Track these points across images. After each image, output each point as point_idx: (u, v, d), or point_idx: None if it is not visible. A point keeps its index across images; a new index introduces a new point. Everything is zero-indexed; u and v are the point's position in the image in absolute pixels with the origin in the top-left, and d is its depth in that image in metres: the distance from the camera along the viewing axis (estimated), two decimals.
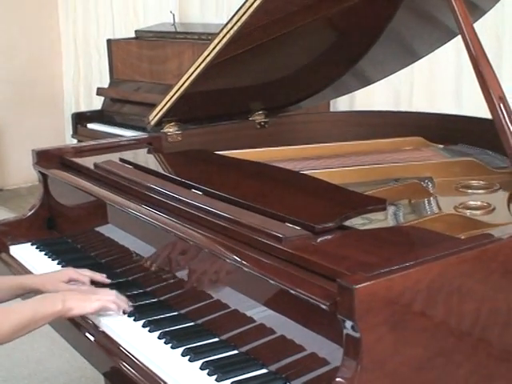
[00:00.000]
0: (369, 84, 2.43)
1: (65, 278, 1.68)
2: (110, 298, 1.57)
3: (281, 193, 1.65)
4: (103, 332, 1.54)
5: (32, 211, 2.09)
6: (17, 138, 5.32)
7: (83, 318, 1.58)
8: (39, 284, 1.68)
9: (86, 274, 1.71)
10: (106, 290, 1.61)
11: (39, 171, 2.08)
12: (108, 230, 1.88)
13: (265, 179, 1.76)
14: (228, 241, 1.43)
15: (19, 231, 2.07)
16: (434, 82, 3.30)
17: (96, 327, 1.57)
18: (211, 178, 1.77)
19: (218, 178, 1.77)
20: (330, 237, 1.37)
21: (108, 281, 1.72)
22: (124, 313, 1.57)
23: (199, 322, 1.52)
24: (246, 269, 1.35)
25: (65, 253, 1.94)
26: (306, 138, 2.32)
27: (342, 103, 3.59)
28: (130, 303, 1.60)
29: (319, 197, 1.60)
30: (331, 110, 3.52)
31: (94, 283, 1.71)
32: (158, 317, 1.55)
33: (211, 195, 1.62)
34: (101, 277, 1.72)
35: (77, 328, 1.60)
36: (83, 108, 5.19)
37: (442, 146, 2.17)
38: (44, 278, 1.72)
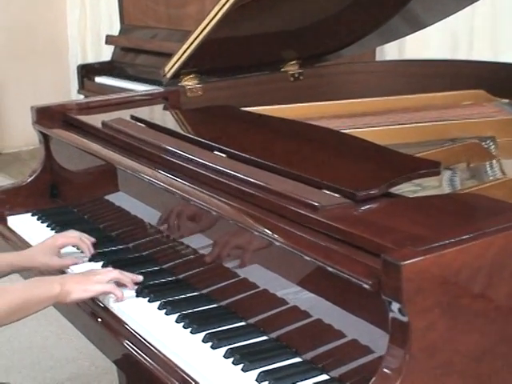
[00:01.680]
0: (421, 28, 2.42)
1: (53, 246, 1.72)
2: (113, 274, 1.58)
3: (317, 155, 1.64)
4: (114, 315, 1.56)
5: (32, 177, 2.11)
6: (15, 94, 5.36)
7: (92, 300, 1.60)
8: (27, 260, 1.71)
9: (74, 234, 1.76)
10: (108, 269, 1.63)
11: (39, 131, 2.10)
12: (119, 199, 1.89)
13: (298, 139, 1.75)
14: (255, 210, 1.43)
15: (18, 200, 2.09)
16: (497, 27, 3.25)
17: (106, 310, 1.58)
18: (236, 139, 1.76)
19: (245, 139, 1.77)
20: (373, 206, 1.36)
21: (92, 250, 1.75)
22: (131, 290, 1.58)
23: (223, 303, 1.53)
24: (276, 242, 1.36)
25: (69, 224, 1.95)
26: (347, 91, 2.31)
27: (390, 51, 3.57)
28: (141, 278, 1.61)
29: (362, 160, 1.59)
30: (377, 59, 3.50)
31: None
32: (176, 297, 1.56)
33: (236, 158, 1.62)
34: (88, 240, 1.75)
35: (85, 311, 1.62)
36: (90, 59, 5.21)
37: (506, 100, 2.15)
38: (30, 251, 1.75)
